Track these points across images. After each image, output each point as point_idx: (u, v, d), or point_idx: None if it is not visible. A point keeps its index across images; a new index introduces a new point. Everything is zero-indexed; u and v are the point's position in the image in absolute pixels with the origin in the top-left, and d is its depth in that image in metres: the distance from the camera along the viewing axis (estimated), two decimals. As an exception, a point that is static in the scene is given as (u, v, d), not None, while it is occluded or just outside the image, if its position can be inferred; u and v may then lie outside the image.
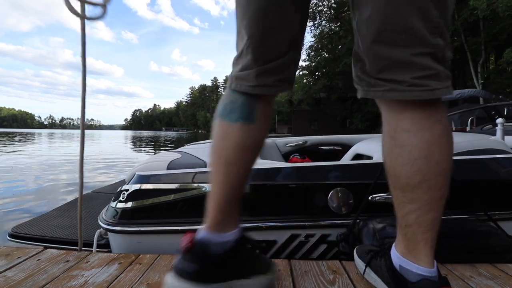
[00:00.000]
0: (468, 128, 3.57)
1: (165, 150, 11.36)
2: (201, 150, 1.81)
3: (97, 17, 0.93)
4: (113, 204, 1.24)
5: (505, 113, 2.74)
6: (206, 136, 33.18)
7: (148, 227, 1.14)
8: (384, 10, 0.48)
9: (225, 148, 0.61)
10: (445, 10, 0.49)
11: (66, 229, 1.47)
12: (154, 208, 1.16)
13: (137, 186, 1.19)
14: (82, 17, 0.90)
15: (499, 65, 14.73)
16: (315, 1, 24.02)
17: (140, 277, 0.77)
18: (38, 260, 0.88)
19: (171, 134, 53.88)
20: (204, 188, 1.14)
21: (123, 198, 1.19)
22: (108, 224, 1.18)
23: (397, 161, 0.55)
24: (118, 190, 1.25)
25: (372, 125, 23.28)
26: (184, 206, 1.15)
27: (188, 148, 1.97)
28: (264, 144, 0.67)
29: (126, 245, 1.17)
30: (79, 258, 0.91)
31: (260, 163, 1.33)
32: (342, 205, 1.10)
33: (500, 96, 2.76)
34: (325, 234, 1.10)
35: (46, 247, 1.38)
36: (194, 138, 25.17)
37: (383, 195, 1.07)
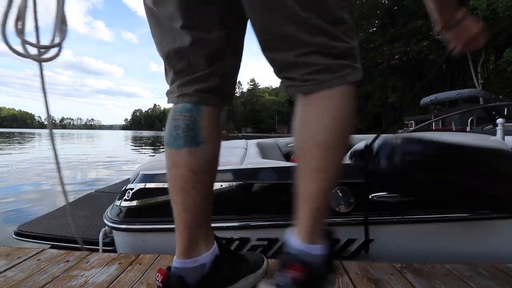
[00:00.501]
0: (468, 128, 3.57)
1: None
2: None
3: (52, 57, 0.91)
4: (118, 202, 1.25)
5: (505, 113, 2.74)
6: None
7: (152, 225, 1.15)
8: (259, 22, 0.54)
9: (177, 176, 0.61)
10: (321, 8, 0.50)
11: (71, 227, 1.49)
12: (158, 206, 1.17)
13: (141, 185, 1.21)
14: (39, 60, 0.88)
15: (499, 65, 14.74)
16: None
17: (140, 277, 0.77)
18: (38, 260, 0.88)
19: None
20: None
21: (128, 197, 1.20)
22: (113, 222, 1.19)
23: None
24: (123, 189, 1.26)
25: (371, 125, 23.29)
26: None
27: None
28: (218, 161, 0.67)
29: (131, 243, 1.19)
30: (79, 258, 0.91)
31: (262, 163, 1.35)
32: (343, 203, 1.11)
33: (500, 96, 2.75)
34: None
35: (52, 246, 1.43)
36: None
37: (383, 194, 1.09)
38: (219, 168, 1.26)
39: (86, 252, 1.01)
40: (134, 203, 1.19)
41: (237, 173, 1.21)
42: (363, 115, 22.87)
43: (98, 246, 1.26)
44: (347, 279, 0.75)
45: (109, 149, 11.70)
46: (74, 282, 0.74)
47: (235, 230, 1.14)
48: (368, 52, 19.11)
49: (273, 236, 1.14)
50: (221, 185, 1.17)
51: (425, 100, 3.18)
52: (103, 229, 1.25)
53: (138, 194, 1.20)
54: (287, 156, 2.63)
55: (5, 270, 0.80)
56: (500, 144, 1.45)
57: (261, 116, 79.78)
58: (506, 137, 1.94)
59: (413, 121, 10.38)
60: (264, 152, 2.37)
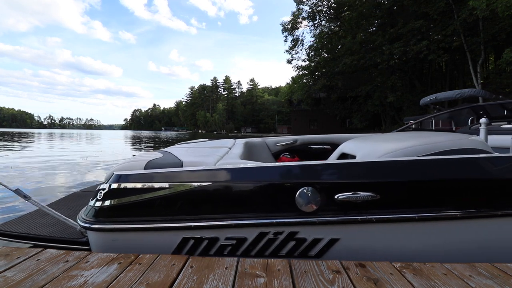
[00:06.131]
0: (454, 128, 3.56)
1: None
2: (184, 150, 1.79)
3: None
4: (91, 203, 1.25)
5: (506, 113, 2.74)
6: (205, 136, 33.18)
7: (123, 225, 1.15)
8: None
9: None
10: None
11: (51, 227, 1.46)
12: (130, 206, 1.17)
13: (114, 185, 1.20)
14: None
15: (498, 65, 14.73)
16: (314, 1, 23.98)
17: (140, 277, 0.77)
18: (38, 260, 0.88)
19: (171, 134, 53.91)
20: (178, 187, 1.15)
21: (100, 197, 1.20)
22: (86, 222, 1.19)
23: None
24: (97, 189, 1.25)
25: (370, 125, 23.27)
26: (159, 204, 1.16)
27: (173, 148, 1.95)
28: None
29: (102, 243, 1.18)
30: (78, 258, 0.91)
31: (235, 163, 1.32)
32: (309, 203, 1.10)
33: (500, 96, 2.74)
34: (293, 232, 1.11)
35: (45, 247, 1.36)
36: (193, 137, 25.05)
37: (349, 194, 1.08)
38: (191, 168, 1.19)
39: (86, 252, 1.01)
40: (106, 203, 1.19)
41: (207, 174, 1.19)
42: (362, 115, 22.86)
43: (77, 245, 1.26)
44: (347, 279, 0.75)
45: (109, 148, 11.67)
46: (74, 282, 0.74)
47: (204, 230, 1.14)
48: (368, 52, 19.10)
49: (242, 235, 1.13)
50: (191, 185, 1.16)
51: (425, 99, 3.17)
52: (78, 227, 1.25)
53: (110, 194, 1.19)
54: (276, 155, 2.58)
55: (4, 270, 0.79)
56: (480, 144, 1.41)
57: (261, 116, 79.66)
58: (494, 137, 1.91)
59: (412, 121, 10.36)
60: (251, 151, 2.31)
